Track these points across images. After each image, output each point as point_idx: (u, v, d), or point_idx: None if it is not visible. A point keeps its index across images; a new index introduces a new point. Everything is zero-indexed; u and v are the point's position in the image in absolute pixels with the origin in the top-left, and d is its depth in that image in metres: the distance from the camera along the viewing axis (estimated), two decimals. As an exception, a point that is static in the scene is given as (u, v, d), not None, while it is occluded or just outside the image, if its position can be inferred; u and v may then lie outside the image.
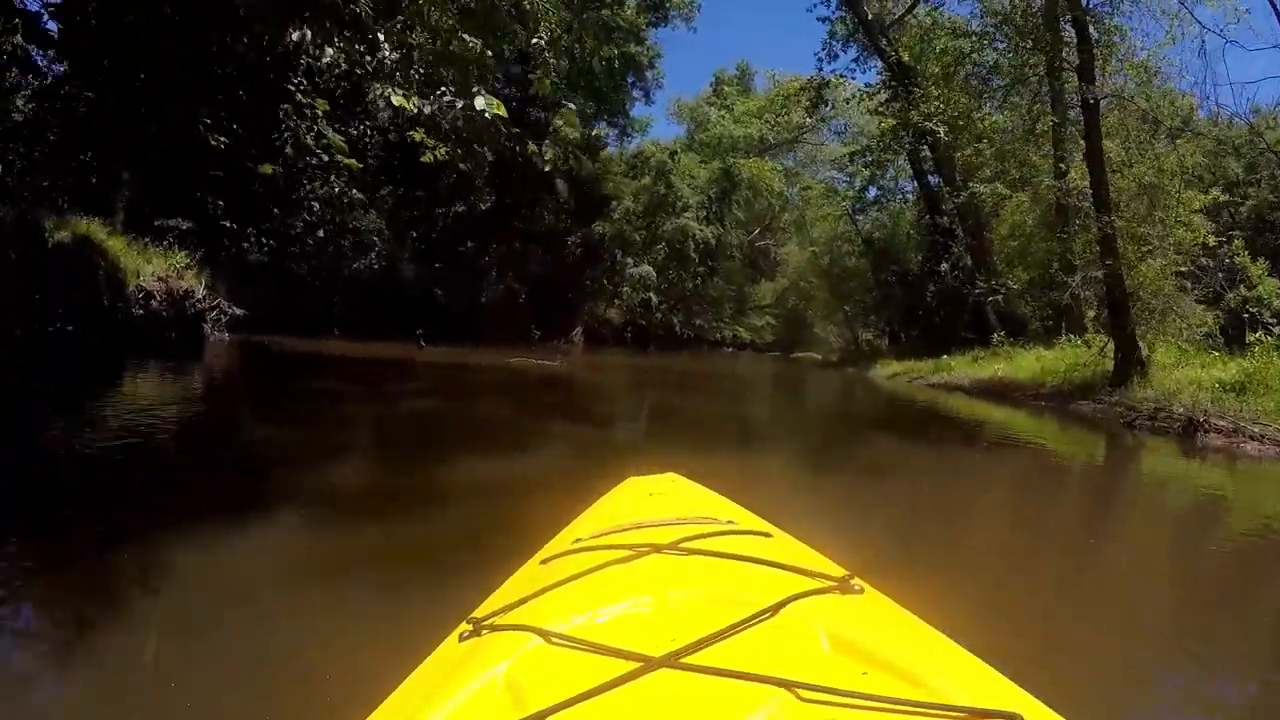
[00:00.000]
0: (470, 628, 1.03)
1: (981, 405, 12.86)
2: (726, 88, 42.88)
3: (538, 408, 8.02)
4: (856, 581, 1.09)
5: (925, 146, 23.17)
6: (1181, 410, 8.68)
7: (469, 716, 0.80)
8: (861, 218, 33.19)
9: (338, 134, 13.57)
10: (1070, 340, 15.07)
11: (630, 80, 33.37)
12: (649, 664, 0.81)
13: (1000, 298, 18.53)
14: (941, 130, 17.74)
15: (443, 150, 9.35)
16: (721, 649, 0.86)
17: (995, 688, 0.85)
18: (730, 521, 1.44)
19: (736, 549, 1.20)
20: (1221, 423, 8.16)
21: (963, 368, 16.33)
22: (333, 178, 13.93)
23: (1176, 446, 8.28)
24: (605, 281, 32.28)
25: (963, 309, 23.13)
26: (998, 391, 13.52)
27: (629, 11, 30.96)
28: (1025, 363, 14.53)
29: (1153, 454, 8.22)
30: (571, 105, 27.82)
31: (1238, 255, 13.97)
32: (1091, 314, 16.84)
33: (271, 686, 1.88)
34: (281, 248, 23.27)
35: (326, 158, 13.71)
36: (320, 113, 12.68)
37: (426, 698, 0.84)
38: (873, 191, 29.87)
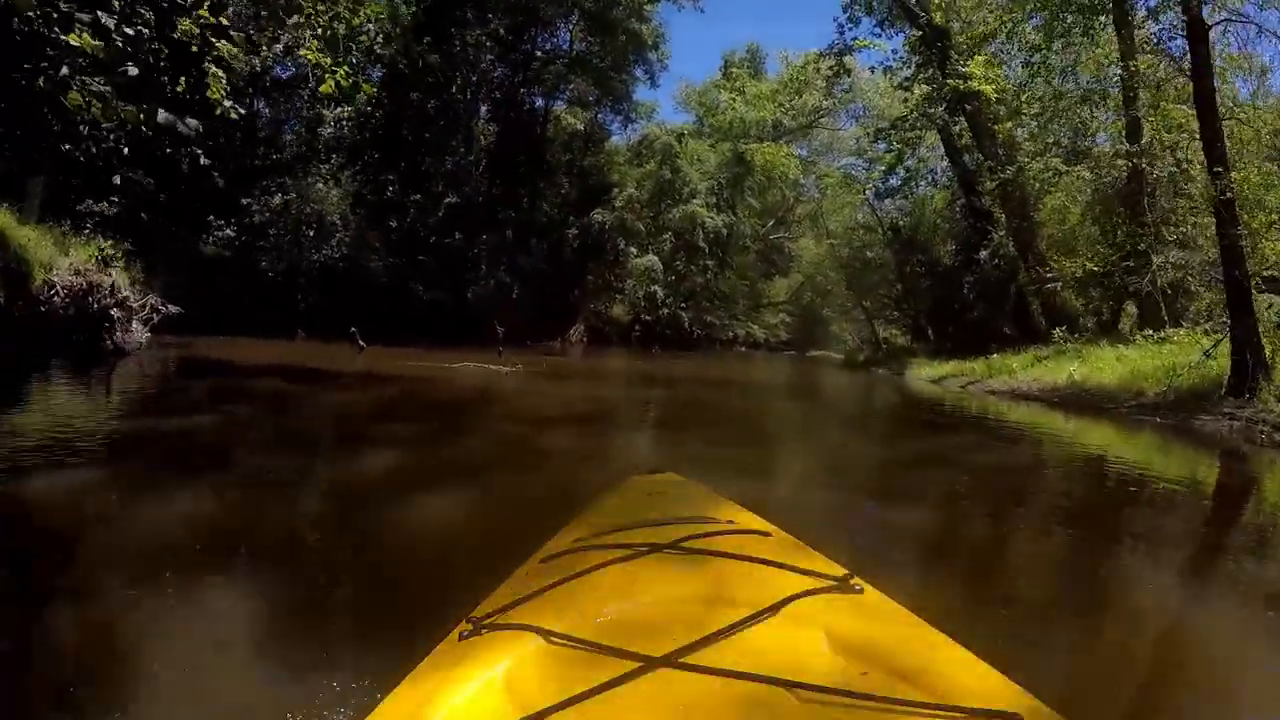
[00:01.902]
0: (470, 627, 1.01)
1: (1079, 423, 9.48)
2: (736, 70, 40.18)
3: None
4: (856, 581, 1.06)
5: (961, 118, 20.63)
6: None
7: (469, 716, 0.80)
8: (885, 205, 30.58)
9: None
10: (1153, 336, 12.48)
11: (633, 58, 30.71)
12: (649, 663, 0.82)
13: (1057, 287, 15.95)
14: (989, 90, 15.12)
15: (344, 74, 7.08)
16: (721, 648, 0.86)
17: (995, 687, 0.83)
18: (730, 521, 1.40)
19: (736, 548, 1.18)
20: None
21: (1024, 370, 13.68)
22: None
23: None
24: (607, 274, 29.78)
25: (1004, 302, 20.58)
26: (1083, 402, 10.80)
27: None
28: (1105, 364, 11.88)
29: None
30: None
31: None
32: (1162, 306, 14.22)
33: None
34: (248, 239, 21.00)
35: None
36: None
37: (426, 697, 0.84)
38: (896, 177, 27.16)
